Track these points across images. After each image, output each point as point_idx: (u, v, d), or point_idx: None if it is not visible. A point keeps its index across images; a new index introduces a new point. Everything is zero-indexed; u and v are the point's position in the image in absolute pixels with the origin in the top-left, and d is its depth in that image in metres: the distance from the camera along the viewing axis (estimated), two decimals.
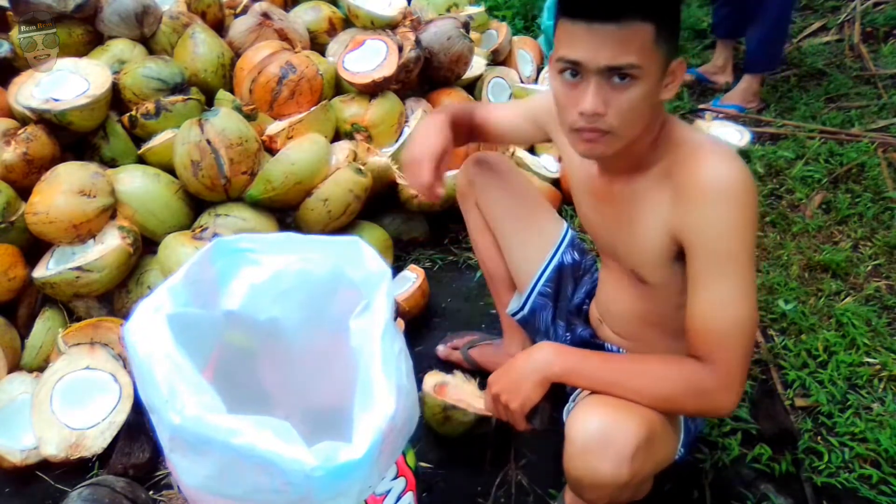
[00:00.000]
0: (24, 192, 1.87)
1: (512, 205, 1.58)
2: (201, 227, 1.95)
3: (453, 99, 2.61)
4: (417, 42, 2.40)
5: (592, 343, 1.46)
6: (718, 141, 1.11)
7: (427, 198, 1.35)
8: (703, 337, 1.06)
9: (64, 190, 1.80)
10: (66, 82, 1.97)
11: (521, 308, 1.62)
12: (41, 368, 1.80)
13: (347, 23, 2.64)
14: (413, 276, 2.11)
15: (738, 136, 2.80)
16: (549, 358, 1.16)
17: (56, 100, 1.91)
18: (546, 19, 3.30)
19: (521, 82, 2.92)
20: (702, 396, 1.07)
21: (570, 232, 1.62)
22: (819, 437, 1.68)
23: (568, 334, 1.54)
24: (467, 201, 1.64)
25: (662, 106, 1.11)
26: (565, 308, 1.58)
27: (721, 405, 1.07)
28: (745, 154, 2.78)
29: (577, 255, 1.60)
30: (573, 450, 1.08)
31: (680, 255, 1.11)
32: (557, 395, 1.56)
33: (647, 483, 1.30)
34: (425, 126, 1.39)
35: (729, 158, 1.05)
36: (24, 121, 1.95)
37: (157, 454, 1.68)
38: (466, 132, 1.50)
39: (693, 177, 1.05)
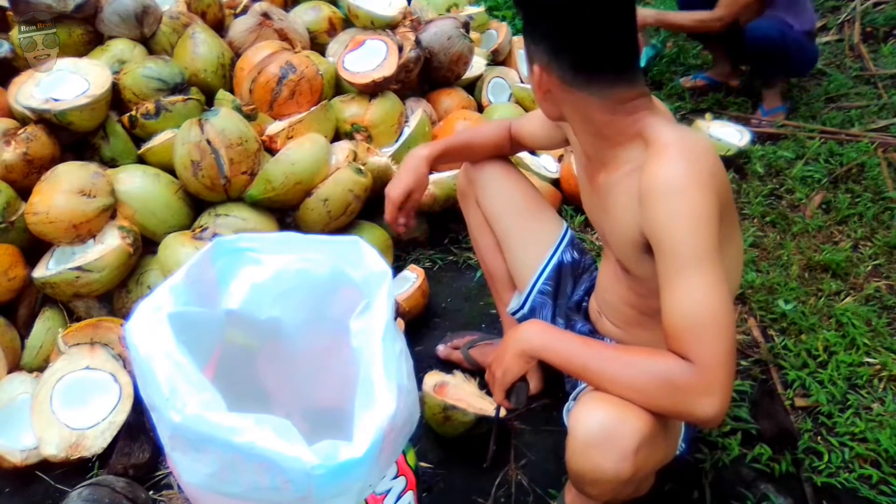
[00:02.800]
0: (24, 192, 1.87)
1: (513, 203, 1.59)
2: (201, 227, 1.95)
3: (453, 99, 2.62)
4: (417, 42, 2.40)
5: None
6: (686, 139, 1.09)
7: (393, 229, 1.60)
8: (678, 336, 1.02)
9: (64, 190, 1.80)
10: (66, 82, 1.97)
11: (521, 306, 1.62)
12: (41, 368, 1.80)
13: (347, 23, 2.64)
14: (413, 276, 2.11)
15: (738, 136, 2.81)
16: (531, 333, 1.18)
17: (56, 100, 1.91)
18: None
19: (521, 82, 2.92)
20: (677, 394, 1.01)
21: (569, 231, 1.63)
22: (819, 437, 1.68)
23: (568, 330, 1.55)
24: (468, 200, 1.65)
25: (597, 114, 1.13)
26: (564, 306, 1.59)
27: (700, 410, 1.00)
28: (745, 154, 2.78)
29: (576, 254, 1.61)
30: (576, 445, 1.07)
31: (651, 250, 1.11)
32: (554, 392, 1.57)
33: (649, 479, 1.29)
34: (404, 163, 1.57)
35: (679, 156, 1.05)
36: (24, 121, 1.95)
37: (157, 454, 1.68)
38: (463, 156, 1.63)
39: (652, 176, 1.06)
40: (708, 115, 2.99)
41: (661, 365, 1.04)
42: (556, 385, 1.73)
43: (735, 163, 2.72)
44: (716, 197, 1.04)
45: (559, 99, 1.15)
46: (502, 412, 1.33)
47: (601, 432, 1.04)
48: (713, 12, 2.92)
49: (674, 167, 1.04)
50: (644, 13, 3.07)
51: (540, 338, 1.16)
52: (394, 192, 1.55)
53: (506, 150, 1.64)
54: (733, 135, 2.81)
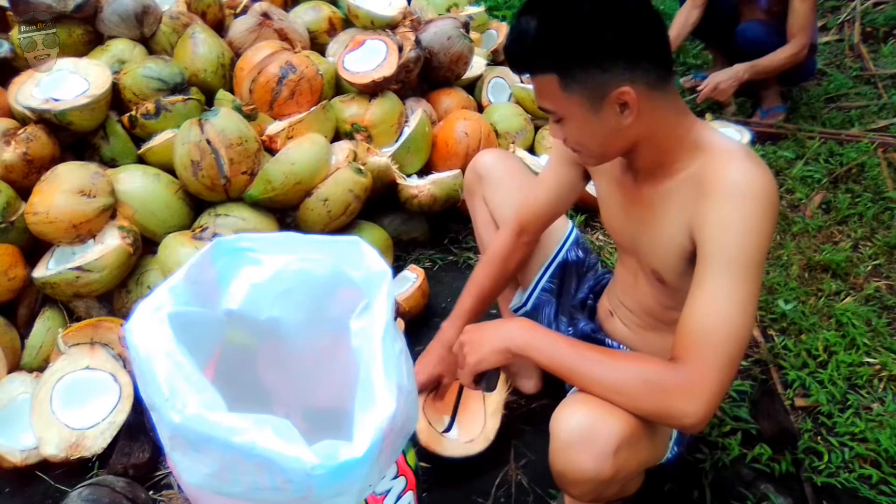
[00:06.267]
0: (24, 192, 1.87)
1: (520, 201, 1.58)
2: (201, 227, 1.95)
3: (453, 99, 2.61)
4: (417, 42, 2.40)
5: (594, 338, 1.46)
6: (748, 149, 1.10)
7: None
8: (685, 336, 1.02)
9: (64, 190, 1.80)
10: (66, 82, 1.98)
11: (524, 303, 1.63)
12: (41, 368, 1.80)
13: (347, 23, 2.64)
14: (413, 276, 2.11)
15: (738, 135, 2.80)
16: (516, 330, 1.17)
17: (56, 100, 1.91)
18: None
19: (521, 82, 2.92)
20: (660, 396, 1.01)
21: (575, 230, 1.63)
22: (819, 437, 1.68)
23: (570, 328, 1.55)
24: (475, 196, 1.66)
25: (670, 118, 1.11)
26: (568, 304, 1.59)
27: (683, 412, 1.00)
28: None
29: (581, 253, 1.62)
30: (557, 445, 1.08)
31: (695, 258, 1.10)
32: (554, 392, 1.56)
33: (635, 480, 1.29)
34: (430, 349, 1.56)
35: (758, 164, 1.05)
36: (24, 121, 1.95)
37: (157, 454, 1.68)
38: (488, 302, 1.58)
39: (719, 176, 1.05)
40: (708, 116, 2.99)
41: (647, 367, 1.05)
42: (556, 385, 1.73)
43: None
44: (774, 216, 1.04)
45: (643, 116, 1.08)
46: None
47: (581, 433, 1.05)
48: (796, 44, 2.78)
49: (744, 172, 1.04)
50: (738, 69, 2.86)
51: (524, 336, 1.16)
52: (420, 376, 1.52)
53: (520, 253, 1.55)
54: (733, 134, 2.81)
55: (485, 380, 1.25)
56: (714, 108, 3.25)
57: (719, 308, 1.00)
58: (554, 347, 1.13)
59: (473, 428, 1.64)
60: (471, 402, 1.68)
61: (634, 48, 1.04)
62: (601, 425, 1.04)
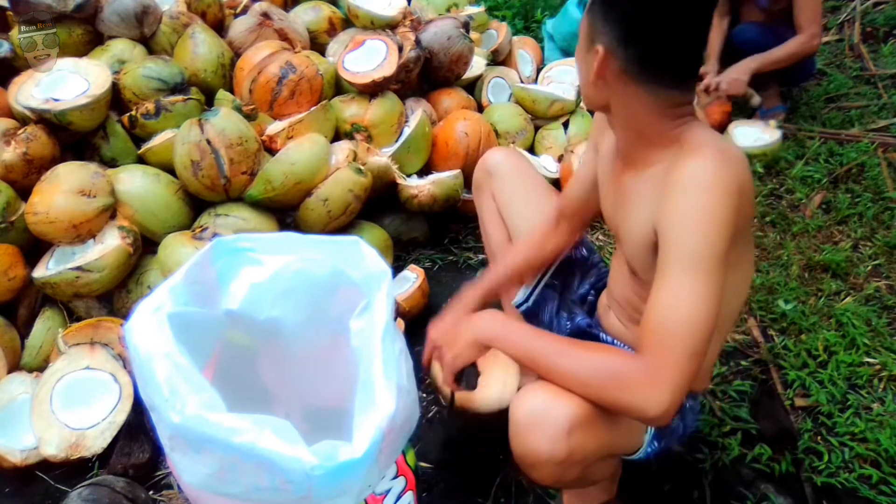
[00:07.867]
0: (24, 192, 1.87)
1: (527, 198, 1.61)
2: (201, 227, 1.95)
3: (453, 99, 2.61)
4: (417, 42, 2.40)
5: (588, 332, 1.47)
6: (723, 144, 1.09)
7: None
8: (647, 329, 1.02)
9: (64, 190, 1.80)
10: (66, 82, 1.97)
11: (527, 299, 1.63)
12: (41, 368, 1.80)
13: (347, 23, 2.64)
14: (413, 276, 2.11)
15: (766, 135, 2.85)
16: (485, 322, 1.19)
17: (56, 100, 1.91)
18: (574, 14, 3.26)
19: (521, 82, 2.92)
20: (622, 388, 1.02)
21: None
22: (819, 437, 1.68)
23: (568, 323, 1.56)
24: (483, 192, 1.67)
25: (655, 113, 1.11)
26: (569, 300, 1.60)
27: (645, 404, 0.99)
28: (746, 154, 2.78)
29: (584, 252, 1.63)
30: (514, 429, 1.10)
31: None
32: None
33: (600, 466, 1.24)
34: (444, 315, 1.48)
35: (713, 157, 1.04)
36: (24, 121, 1.95)
37: (157, 454, 1.68)
38: (522, 276, 1.60)
39: (680, 170, 1.05)
40: (772, 122, 2.94)
41: (609, 359, 1.06)
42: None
43: None
44: (736, 209, 1.02)
45: (612, 87, 1.11)
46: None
47: (535, 416, 1.07)
48: (806, 34, 2.77)
49: (704, 166, 1.03)
50: (747, 62, 2.85)
51: (493, 327, 1.18)
52: (434, 333, 1.41)
53: (557, 239, 1.55)
54: (759, 134, 2.87)
55: (465, 378, 1.27)
56: (740, 103, 3.24)
57: (679, 301, 1.00)
58: (521, 338, 1.14)
59: (494, 389, 1.64)
60: (488, 366, 1.65)
61: (633, 32, 1.05)
62: (553, 408, 1.06)
